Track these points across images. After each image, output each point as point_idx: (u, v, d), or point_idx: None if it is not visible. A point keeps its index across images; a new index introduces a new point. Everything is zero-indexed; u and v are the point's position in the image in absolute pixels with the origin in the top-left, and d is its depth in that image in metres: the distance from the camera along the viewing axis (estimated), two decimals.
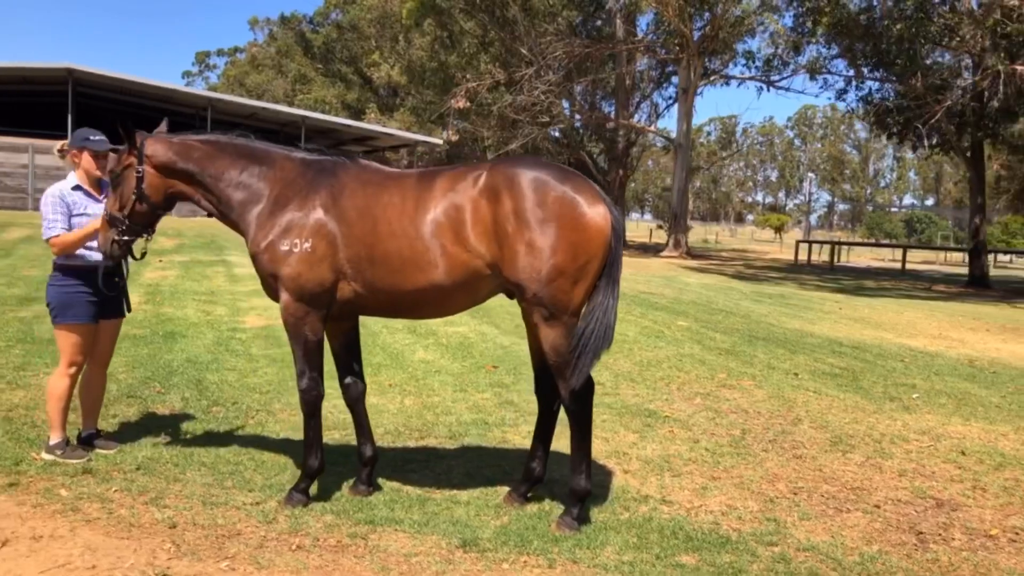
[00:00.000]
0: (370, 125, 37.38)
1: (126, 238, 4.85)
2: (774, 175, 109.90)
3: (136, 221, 4.83)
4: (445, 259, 4.40)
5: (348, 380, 4.96)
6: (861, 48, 28.32)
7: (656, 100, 46.21)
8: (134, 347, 8.57)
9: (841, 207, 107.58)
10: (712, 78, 39.57)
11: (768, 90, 39.58)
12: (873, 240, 67.37)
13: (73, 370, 5.27)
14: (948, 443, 6.34)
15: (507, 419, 6.64)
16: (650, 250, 40.18)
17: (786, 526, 4.66)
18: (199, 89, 61.10)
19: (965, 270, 30.93)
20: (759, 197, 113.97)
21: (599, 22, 42.81)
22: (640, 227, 73.66)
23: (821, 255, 40.97)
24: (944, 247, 53.75)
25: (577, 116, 43.51)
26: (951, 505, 5.05)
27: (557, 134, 42.92)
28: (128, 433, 5.80)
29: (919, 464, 5.82)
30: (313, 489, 4.84)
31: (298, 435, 5.91)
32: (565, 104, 42.78)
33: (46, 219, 5.13)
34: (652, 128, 43.58)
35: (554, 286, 4.28)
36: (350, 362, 4.97)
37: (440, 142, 38.77)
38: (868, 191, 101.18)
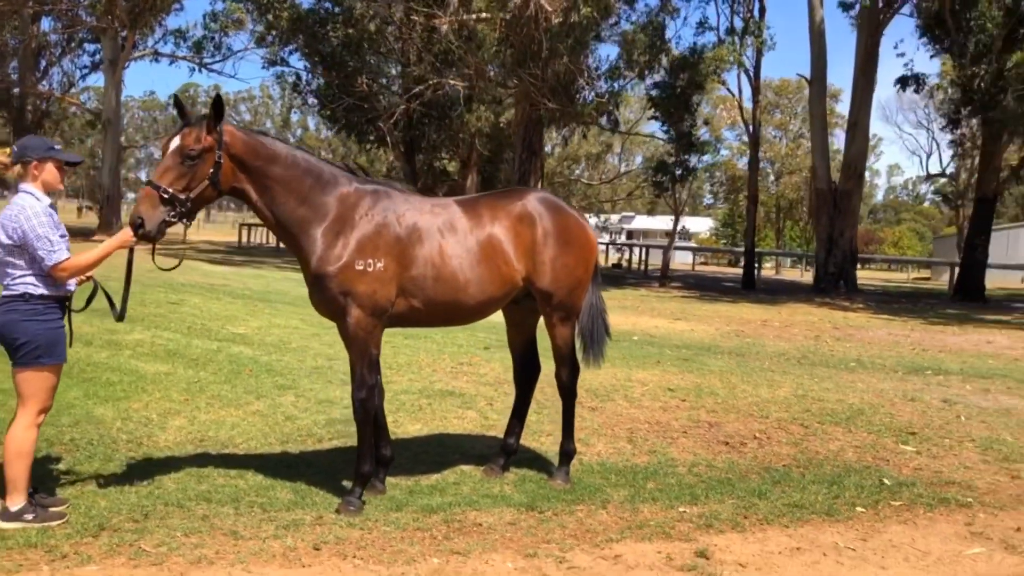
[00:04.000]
0: None
1: (176, 220, 4.59)
2: None
3: (196, 205, 4.64)
4: (498, 275, 5.26)
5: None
6: (317, 47, 30.67)
7: (70, 68, 42.11)
8: None
9: None
10: (142, 52, 37.97)
11: (201, 71, 39.39)
12: None
13: (42, 418, 4.54)
14: (653, 385, 8.94)
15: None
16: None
17: (665, 453, 6.60)
18: None
19: None
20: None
21: None
22: (67, 207, 64.83)
23: (266, 239, 42.11)
24: None
25: None
26: (717, 424, 7.57)
27: None
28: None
29: (662, 402, 8.27)
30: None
31: (192, 452, 5.92)
32: None
33: (45, 240, 4.32)
34: (73, 99, 39.76)
35: (574, 294, 5.53)
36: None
37: None
38: None
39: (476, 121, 47.91)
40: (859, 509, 5.48)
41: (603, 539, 4.72)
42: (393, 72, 33.69)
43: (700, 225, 75.13)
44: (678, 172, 28.40)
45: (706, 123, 31.01)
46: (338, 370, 8.86)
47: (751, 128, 29.65)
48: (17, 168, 4.50)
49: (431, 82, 29.43)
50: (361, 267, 4.88)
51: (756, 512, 5.31)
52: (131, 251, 4.74)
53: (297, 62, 33.15)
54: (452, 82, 29.90)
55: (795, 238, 61.83)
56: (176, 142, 4.59)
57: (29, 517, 4.42)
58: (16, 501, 4.43)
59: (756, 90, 29.34)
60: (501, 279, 5.30)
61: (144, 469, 5.45)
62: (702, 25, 27.80)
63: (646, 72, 27.01)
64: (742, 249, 34.12)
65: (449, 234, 5.18)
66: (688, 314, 18.71)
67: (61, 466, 5.44)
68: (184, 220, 4.67)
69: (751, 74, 28.91)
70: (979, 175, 26.35)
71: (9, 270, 4.42)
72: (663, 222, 59.37)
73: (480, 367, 9.40)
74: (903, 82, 26.35)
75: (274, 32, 30.54)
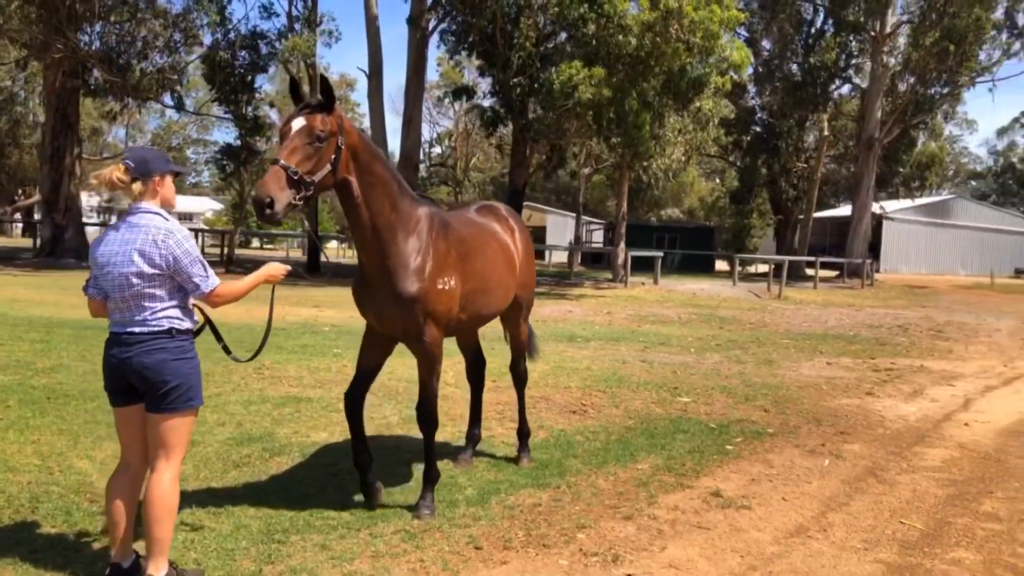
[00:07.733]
0: None
1: (299, 204, 4.30)
2: None
3: (316, 191, 4.44)
4: (514, 282, 5.89)
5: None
6: None
7: None
8: None
9: None
10: None
11: None
12: None
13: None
14: (450, 373, 9.69)
15: (268, 429, 6.85)
16: None
17: (551, 427, 7.59)
18: None
19: None
20: None
21: None
22: None
23: None
24: None
25: None
26: (548, 399, 8.74)
27: None
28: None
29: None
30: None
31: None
32: None
33: (199, 264, 3.85)
34: None
35: (533, 295, 6.36)
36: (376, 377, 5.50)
37: None
38: None
39: None
40: (729, 448, 7.23)
41: (646, 496, 5.71)
42: None
43: (201, 205, 72.68)
44: (243, 155, 28.04)
45: (272, 105, 30.94)
46: None
47: None
48: (137, 185, 3.83)
49: None
50: (441, 286, 5.01)
51: (684, 460, 6.71)
52: (273, 286, 4.33)
53: None
54: None
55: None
56: (300, 122, 4.32)
57: None
58: (162, 567, 3.86)
59: (314, 79, 30.12)
60: (515, 285, 5.88)
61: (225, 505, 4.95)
62: (267, 10, 27.77)
63: (216, 52, 26.08)
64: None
65: (485, 248, 5.57)
66: (319, 300, 19.03)
67: (66, 527, 4.56)
68: (303, 206, 4.43)
69: (311, 64, 29.63)
70: (511, 171, 30.88)
71: (146, 303, 3.79)
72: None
73: (280, 370, 9.19)
74: (456, 93, 29.67)
75: None
